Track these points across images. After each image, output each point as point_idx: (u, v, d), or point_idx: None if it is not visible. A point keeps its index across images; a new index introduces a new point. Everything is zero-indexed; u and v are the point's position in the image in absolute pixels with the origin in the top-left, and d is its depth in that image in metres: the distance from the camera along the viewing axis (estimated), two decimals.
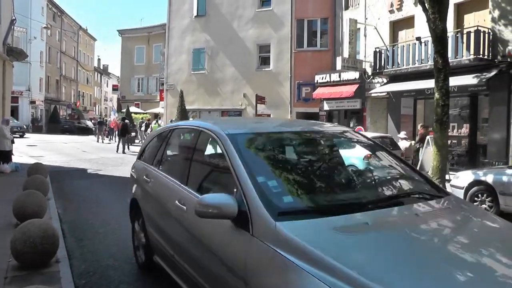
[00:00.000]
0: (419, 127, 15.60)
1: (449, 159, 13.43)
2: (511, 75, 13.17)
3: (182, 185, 3.45)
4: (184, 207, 3.21)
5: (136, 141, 27.78)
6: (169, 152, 4.50)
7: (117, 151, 20.56)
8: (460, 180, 8.67)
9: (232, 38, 24.28)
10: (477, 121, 14.80)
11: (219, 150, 3.10)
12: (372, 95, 18.00)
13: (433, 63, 10.66)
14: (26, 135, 31.91)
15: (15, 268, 4.28)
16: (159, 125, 23.75)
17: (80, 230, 6.34)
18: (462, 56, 13.67)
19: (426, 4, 10.19)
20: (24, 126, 33.79)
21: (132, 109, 34.06)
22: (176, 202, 3.36)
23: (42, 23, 37.58)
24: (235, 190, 2.65)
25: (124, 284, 4.30)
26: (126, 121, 24.30)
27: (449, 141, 12.16)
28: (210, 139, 3.39)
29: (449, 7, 10.42)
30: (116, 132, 23.06)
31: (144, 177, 4.42)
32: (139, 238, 4.48)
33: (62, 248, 4.93)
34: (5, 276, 4.10)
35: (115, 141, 24.42)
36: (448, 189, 9.55)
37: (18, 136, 29.68)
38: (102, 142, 28.14)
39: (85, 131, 38.19)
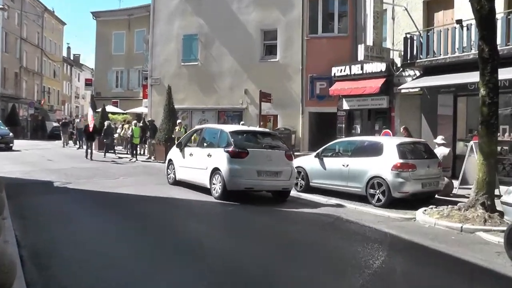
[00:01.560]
0: (401, 129, 15.72)
1: (499, 170, 13.32)
2: None
3: None
4: None
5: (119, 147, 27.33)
6: None
7: (85, 157, 21.14)
8: None
9: (231, 23, 24.34)
10: None
11: None
12: (402, 91, 17.98)
13: (477, 51, 10.61)
14: (18, 142, 27.69)
15: None
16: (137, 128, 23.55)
17: (44, 256, 6.29)
18: None
19: None
20: (11, 134, 27.30)
21: (109, 108, 33.88)
22: None
23: None
24: None
25: None
26: (108, 122, 24.53)
27: (498, 148, 12.08)
28: None
29: None
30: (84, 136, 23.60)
31: None
32: None
33: (20, 279, 4.86)
34: None
35: (83, 147, 24.69)
36: (498, 207, 9.46)
37: (3, 145, 25.28)
38: (64, 146, 29.98)
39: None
